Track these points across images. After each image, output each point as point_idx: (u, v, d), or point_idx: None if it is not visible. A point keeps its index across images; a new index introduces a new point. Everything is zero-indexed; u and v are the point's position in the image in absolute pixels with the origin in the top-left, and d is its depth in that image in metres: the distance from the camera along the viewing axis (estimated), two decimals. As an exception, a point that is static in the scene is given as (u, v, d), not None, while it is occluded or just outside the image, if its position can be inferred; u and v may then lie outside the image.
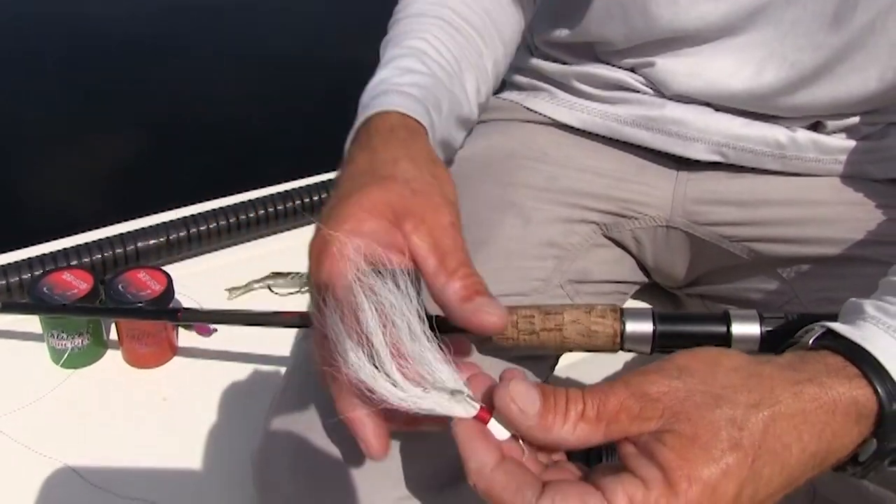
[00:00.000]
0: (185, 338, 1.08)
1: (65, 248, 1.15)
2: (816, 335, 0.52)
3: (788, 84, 0.78)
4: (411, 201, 0.54)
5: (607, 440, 0.44)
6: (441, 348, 0.45)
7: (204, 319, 1.01)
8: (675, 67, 0.81)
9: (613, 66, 0.86)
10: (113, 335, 1.05)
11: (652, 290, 0.98)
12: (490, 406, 0.45)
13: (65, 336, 0.99)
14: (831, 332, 0.51)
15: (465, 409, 0.45)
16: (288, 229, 1.31)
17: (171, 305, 1.02)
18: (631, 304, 0.96)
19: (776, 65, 0.77)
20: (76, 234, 1.22)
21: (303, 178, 1.35)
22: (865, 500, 0.64)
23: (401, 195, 0.54)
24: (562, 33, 0.87)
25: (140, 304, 0.96)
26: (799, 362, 0.48)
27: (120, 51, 3.65)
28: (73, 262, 1.11)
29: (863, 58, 0.75)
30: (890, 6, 0.73)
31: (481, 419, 0.45)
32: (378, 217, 0.53)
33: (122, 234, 1.19)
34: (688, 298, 0.95)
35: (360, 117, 0.65)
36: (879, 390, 0.47)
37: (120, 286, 0.98)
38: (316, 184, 1.32)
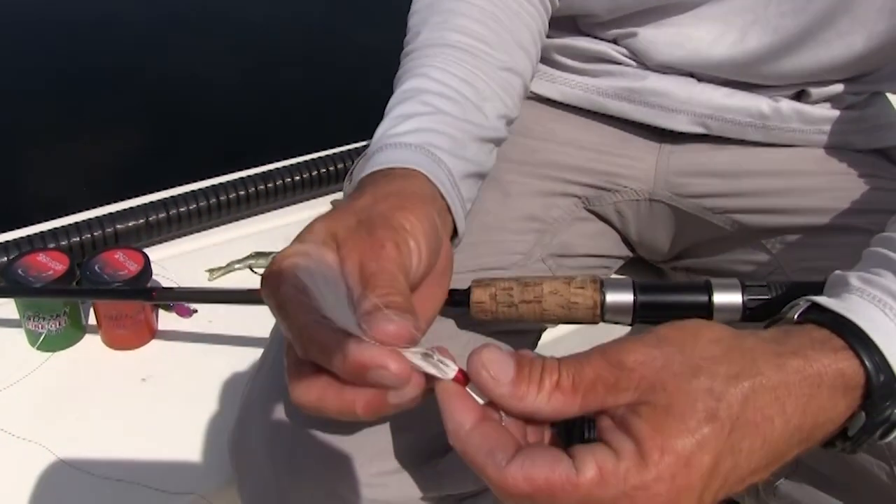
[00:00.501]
0: (165, 319, 1.07)
1: (42, 232, 1.13)
2: (801, 309, 0.51)
3: (772, 50, 0.76)
4: (352, 230, 0.51)
5: (584, 411, 0.43)
6: None
7: (178, 298, 1.00)
8: (657, 37, 0.80)
9: (595, 38, 0.85)
10: (92, 319, 1.04)
11: (636, 264, 0.97)
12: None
13: (41, 319, 0.98)
14: (816, 306, 0.50)
15: (440, 370, 0.44)
16: (269, 210, 1.30)
17: (149, 286, 1.01)
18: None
19: (760, 31, 0.76)
20: (55, 218, 1.21)
21: (283, 159, 1.34)
22: (848, 466, 0.63)
23: (344, 225, 0.51)
24: None
25: (117, 284, 0.95)
26: (783, 336, 0.47)
27: (95, 37, 3.62)
28: (51, 246, 1.10)
29: (848, 22, 0.74)
30: None
31: (458, 381, 0.44)
32: (322, 245, 0.51)
33: (100, 216, 1.17)
34: (672, 272, 0.94)
35: (357, 177, 0.62)
36: (866, 362, 0.46)
37: (96, 267, 0.97)
38: (297, 164, 1.30)
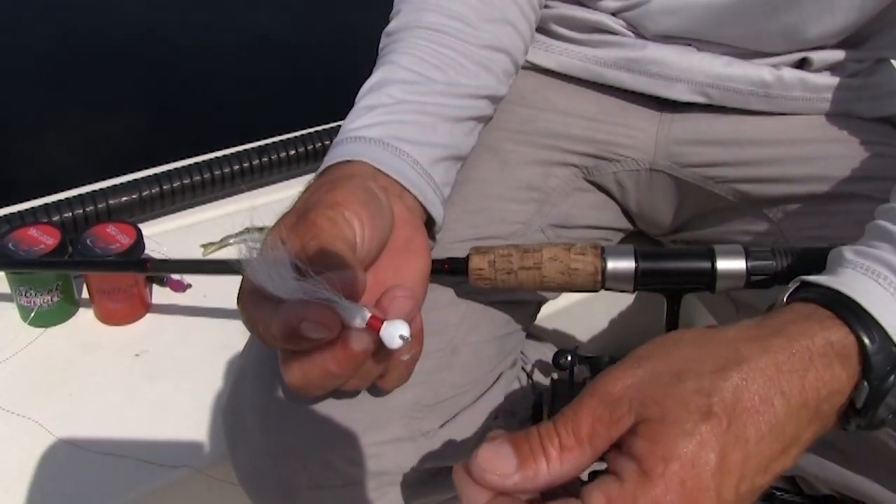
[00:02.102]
0: (159, 294, 1.06)
1: (33, 207, 1.12)
2: (790, 290, 0.51)
3: (770, 3, 0.75)
4: (293, 226, 0.53)
5: (597, 456, 0.43)
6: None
7: (172, 269, 0.99)
8: (652, 6, 0.79)
9: (592, 8, 0.84)
10: (85, 294, 1.03)
11: (637, 238, 0.95)
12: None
13: (32, 293, 0.96)
14: (806, 285, 0.50)
15: (349, 314, 0.47)
16: (265, 185, 1.28)
17: (142, 258, 1.00)
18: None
19: None
20: (47, 194, 1.19)
21: (278, 133, 1.32)
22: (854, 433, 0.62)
23: (286, 225, 0.53)
24: None
25: (109, 258, 0.94)
26: (765, 319, 0.47)
27: (86, 12, 3.59)
28: (44, 221, 1.08)
29: None
30: None
31: (372, 326, 0.47)
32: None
33: (92, 191, 1.16)
34: (673, 245, 0.93)
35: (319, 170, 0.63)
36: (857, 329, 0.46)
37: (88, 241, 0.96)
38: (293, 138, 1.29)
